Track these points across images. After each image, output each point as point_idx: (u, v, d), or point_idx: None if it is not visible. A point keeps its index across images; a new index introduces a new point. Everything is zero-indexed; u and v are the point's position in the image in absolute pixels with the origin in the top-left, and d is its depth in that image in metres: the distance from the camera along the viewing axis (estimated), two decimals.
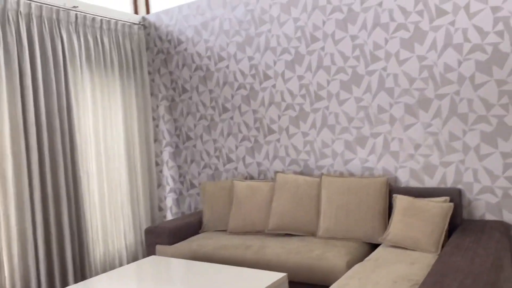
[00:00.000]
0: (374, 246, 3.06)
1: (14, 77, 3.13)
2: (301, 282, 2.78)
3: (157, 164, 4.45)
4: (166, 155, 4.38)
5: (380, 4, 3.13)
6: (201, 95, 4.09)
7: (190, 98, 4.17)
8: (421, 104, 3.02)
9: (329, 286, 2.62)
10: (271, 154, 3.72)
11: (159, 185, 4.45)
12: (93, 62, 3.77)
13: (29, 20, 3.28)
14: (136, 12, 4.49)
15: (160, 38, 4.31)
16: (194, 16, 4.07)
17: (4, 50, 3.11)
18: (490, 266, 2.00)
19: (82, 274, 3.54)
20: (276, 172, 3.46)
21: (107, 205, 3.82)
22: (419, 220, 2.66)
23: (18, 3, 3.19)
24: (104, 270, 3.77)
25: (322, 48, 3.39)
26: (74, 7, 3.64)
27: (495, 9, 2.74)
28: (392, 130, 3.15)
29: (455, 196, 2.83)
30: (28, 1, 3.28)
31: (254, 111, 3.78)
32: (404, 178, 3.12)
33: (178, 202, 4.34)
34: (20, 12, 3.19)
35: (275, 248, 2.95)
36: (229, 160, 3.97)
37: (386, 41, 3.13)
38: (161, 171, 4.43)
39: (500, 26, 2.73)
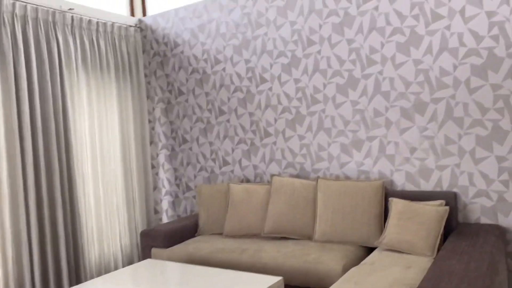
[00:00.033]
0: (370, 250, 3.06)
1: (10, 80, 3.11)
2: (297, 286, 2.77)
3: (153, 166, 4.44)
4: (162, 157, 4.37)
5: (376, 8, 3.14)
6: (198, 97, 4.09)
7: (187, 100, 4.16)
8: (417, 107, 3.03)
9: None
10: (267, 157, 3.72)
11: (155, 187, 4.43)
12: (89, 64, 3.76)
13: (25, 22, 3.27)
14: (132, 14, 4.48)
15: (157, 41, 4.30)
16: (190, 19, 4.07)
17: None
18: (486, 270, 2.01)
19: (77, 277, 3.52)
20: (272, 175, 3.46)
21: (103, 207, 3.81)
22: (415, 224, 2.66)
23: (13, 5, 3.18)
24: (99, 273, 3.75)
25: (319, 52, 3.40)
26: (70, 9, 3.63)
27: (490, 14, 2.76)
28: (388, 134, 3.16)
29: (451, 199, 2.84)
30: (24, 3, 3.27)
31: (251, 114, 3.78)
32: (400, 182, 3.13)
33: (174, 205, 4.32)
34: (16, 14, 3.18)
35: (271, 251, 2.95)
36: (225, 163, 3.96)
37: (382, 45, 3.14)
38: (157, 174, 4.41)
39: (495, 31, 2.74)
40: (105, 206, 3.83)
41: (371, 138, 3.23)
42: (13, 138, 3.11)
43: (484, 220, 2.84)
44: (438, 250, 2.66)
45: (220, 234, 3.56)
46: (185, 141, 4.21)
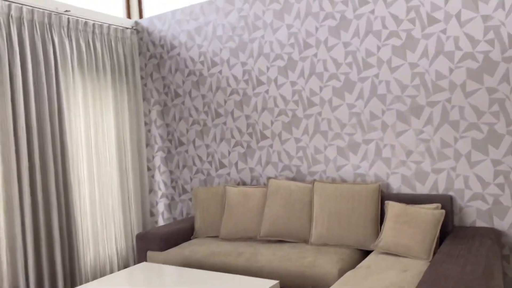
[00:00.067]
0: (366, 253, 3.06)
1: (5, 82, 3.10)
2: None
3: (149, 169, 4.42)
4: (158, 160, 4.36)
5: (372, 12, 3.15)
6: (194, 100, 4.08)
7: (183, 103, 4.15)
8: (413, 111, 3.04)
9: None
10: (264, 159, 3.71)
11: (151, 190, 4.42)
12: (85, 66, 3.74)
13: (20, 24, 3.26)
14: (129, 16, 4.48)
15: (153, 43, 4.30)
16: (187, 21, 4.07)
17: None
18: (481, 274, 2.01)
19: (72, 281, 3.50)
20: (268, 178, 3.45)
21: (98, 210, 3.79)
22: (411, 227, 2.67)
23: (9, 7, 3.17)
24: (95, 276, 3.73)
25: (315, 55, 3.40)
26: (66, 11, 3.62)
27: (485, 18, 2.77)
28: (384, 137, 3.16)
29: (447, 202, 2.84)
30: (20, 5, 3.26)
31: (247, 117, 3.78)
32: (396, 185, 3.13)
33: (170, 207, 4.31)
34: (11, 16, 3.17)
35: (267, 255, 2.94)
36: (222, 166, 3.96)
37: (379, 48, 3.14)
38: (153, 176, 4.40)
39: (490, 35, 2.76)
40: (101, 208, 3.81)
41: (367, 141, 3.23)
42: (8, 140, 3.09)
43: (480, 223, 2.85)
44: (434, 253, 2.66)
45: (216, 237, 3.55)
46: (181, 143, 4.20)
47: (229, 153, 3.90)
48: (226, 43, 3.85)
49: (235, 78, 3.81)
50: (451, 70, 2.90)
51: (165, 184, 4.33)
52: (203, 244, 3.32)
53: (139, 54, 4.40)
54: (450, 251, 2.36)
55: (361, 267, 2.52)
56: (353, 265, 2.82)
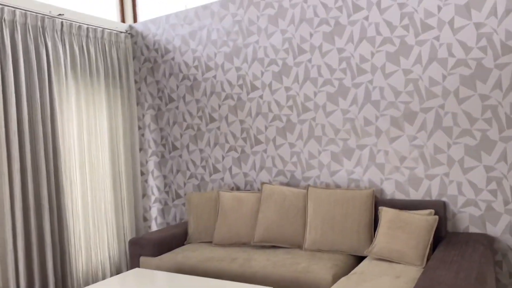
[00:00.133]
0: (360, 259, 3.06)
1: None
2: None
3: (142, 173, 4.40)
4: (151, 164, 4.34)
5: (366, 18, 3.17)
6: (188, 104, 4.07)
7: (177, 107, 4.14)
8: (407, 117, 3.05)
9: None
10: (258, 164, 3.71)
11: (144, 195, 4.39)
12: (78, 70, 3.72)
13: (13, 27, 3.23)
14: (123, 20, 4.46)
15: (147, 47, 4.29)
16: (181, 25, 4.06)
17: None
18: (474, 280, 2.02)
19: (63, 286, 3.46)
20: (262, 183, 3.45)
21: (91, 215, 3.76)
22: (405, 233, 2.67)
23: (2, 10, 3.14)
24: (87, 282, 3.69)
25: (309, 60, 3.41)
26: (59, 14, 3.60)
27: (478, 25, 2.79)
28: (378, 142, 3.17)
29: (440, 208, 2.85)
30: (13, 8, 3.24)
31: (241, 122, 3.77)
32: (390, 190, 3.14)
33: (163, 212, 4.29)
34: (4, 19, 3.15)
35: (261, 260, 2.93)
36: (216, 171, 3.94)
37: (372, 54, 3.16)
38: (146, 181, 4.38)
39: (483, 42, 2.78)
40: (93, 213, 3.78)
41: (361, 147, 3.24)
42: None
43: (473, 229, 2.86)
44: (428, 259, 2.66)
45: (210, 242, 3.54)
46: (175, 148, 4.18)
47: (223, 158, 3.89)
48: (220, 48, 3.85)
49: (230, 83, 3.81)
50: (444, 77, 2.92)
51: (159, 189, 4.30)
52: (196, 249, 3.30)
53: (133, 58, 4.38)
54: (443, 257, 2.37)
55: (355, 273, 2.52)
56: (347, 271, 2.82)
